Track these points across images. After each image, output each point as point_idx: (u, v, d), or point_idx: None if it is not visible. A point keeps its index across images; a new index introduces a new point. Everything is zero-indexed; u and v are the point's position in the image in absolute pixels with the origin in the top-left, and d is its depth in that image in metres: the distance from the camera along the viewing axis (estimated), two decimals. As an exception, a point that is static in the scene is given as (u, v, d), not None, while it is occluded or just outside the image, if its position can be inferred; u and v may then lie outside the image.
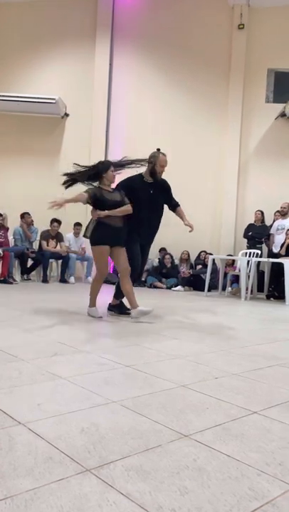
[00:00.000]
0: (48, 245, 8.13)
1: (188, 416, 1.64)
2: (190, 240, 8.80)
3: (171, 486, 1.14)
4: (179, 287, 8.00)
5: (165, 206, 4.40)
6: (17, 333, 3.12)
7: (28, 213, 8.17)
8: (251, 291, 7.05)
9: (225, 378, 2.17)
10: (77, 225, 8.69)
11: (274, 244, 7.82)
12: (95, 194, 3.99)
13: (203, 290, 7.25)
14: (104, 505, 1.04)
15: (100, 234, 4.00)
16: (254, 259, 7.05)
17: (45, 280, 7.76)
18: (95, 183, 4.14)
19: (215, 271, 7.65)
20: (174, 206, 4.44)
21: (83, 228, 8.79)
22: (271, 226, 8.12)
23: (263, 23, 9.13)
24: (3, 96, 8.91)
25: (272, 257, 7.38)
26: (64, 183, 4.19)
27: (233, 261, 7.92)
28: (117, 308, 4.24)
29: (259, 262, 7.42)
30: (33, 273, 8.10)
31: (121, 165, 4.31)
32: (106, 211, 3.96)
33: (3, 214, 7.76)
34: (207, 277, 7.11)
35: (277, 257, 7.17)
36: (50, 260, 8.10)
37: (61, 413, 1.60)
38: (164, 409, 1.70)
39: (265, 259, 7.27)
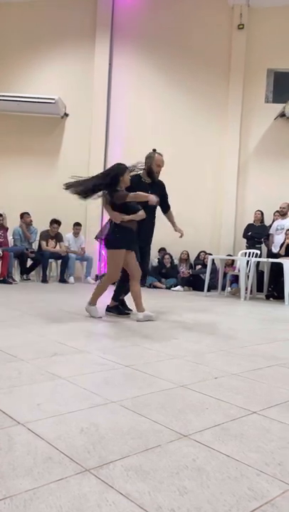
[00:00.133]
0: (47, 245, 8.13)
1: (187, 416, 1.64)
2: (189, 240, 8.80)
3: (171, 486, 1.14)
4: (179, 287, 8.00)
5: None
6: (17, 333, 3.12)
7: (27, 213, 8.17)
8: (251, 291, 7.05)
9: (224, 378, 2.17)
10: (77, 225, 8.70)
11: (273, 244, 7.83)
12: None
13: (202, 290, 7.26)
14: (104, 505, 1.04)
15: (121, 238, 3.94)
16: (253, 259, 7.05)
17: (44, 280, 7.76)
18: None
19: (214, 271, 7.65)
20: (167, 208, 4.46)
21: (83, 228, 8.88)
22: (270, 226, 8.13)
23: (263, 23, 9.13)
24: (3, 96, 8.91)
25: (271, 257, 7.38)
26: (80, 194, 4.02)
27: (233, 261, 7.92)
28: (116, 309, 4.25)
29: (258, 262, 7.42)
30: (33, 273, 8.10)
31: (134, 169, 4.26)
32: (131, 215, 3.92)
33: (2, 214, 7.76)
34: (206, 277, 7.11)
35: (277, 257, 7.18)
36: (50, 260, 8.11)
37: (61, 413, 1.60)
38: (164, 409, 1.70)
39: (265, 259, 7.27)
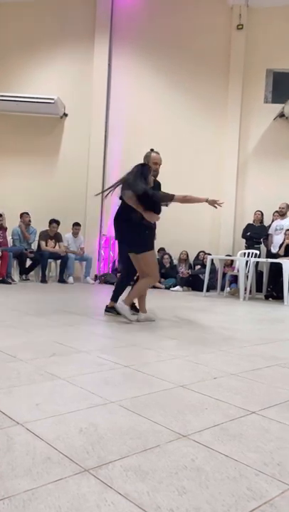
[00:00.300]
0: (46, 245, 8.13)
1: (186, 416, 1.64)
2: (189, 240, 8.83)
3: (170, 486, 1.14)
4: (178, 287, 8.00)
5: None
6: (16, 333, 3.12)
7: (26, 213, 8.17)
8: (250, 291, 7.05)
9: (223, 378, 2.18)
10: (76, 225, 8.70)
11: (272, 244, 7.84)
12: None
13: (201, 290, 7.26)
14: (103, 505, 1.04)
15: (151, 239, 3.96)
16: (253, 260, 7.06)
17: (43, 280, 7.76)
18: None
19: (214, 271, 7.66)
20: (168, 204, 4.44)
21: (82, 228, 8.88)
22: (269, 226, 8.13)
23: (262, 23, 9.14)
24: (2, 96, 8.92)
25: (270, 257, 7.39)
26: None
27: (232, 261, 7.93)
28: (115, 309, 4.24)
29: (258, 262, 7.43)
30: (32, 273, 8.10)
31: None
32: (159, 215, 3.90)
33: (2, 214, 7.76)
34: (206, 277, 7.11)
35: (276, 257, 7.19)
36: (49, 260, 8.11)
37: (60, 413, 1.60)
38: (163, 409, 1.70)
39: (264, 260, 7.28)
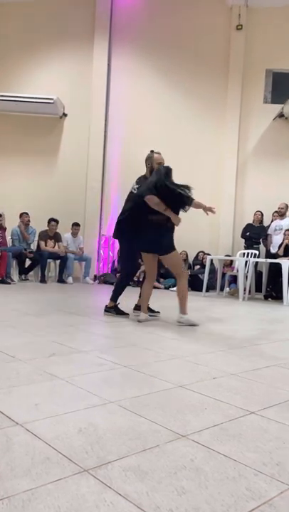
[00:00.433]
0: (46, 245, 8.13)
1: (186, 416, 1.64)
2: (188, 241, 8.81)
3: (169, 486, 1.14)
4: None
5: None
6: (15, 333, 3.12)
7: (25, 213, 8.16)
8: (249, 291, 7.06)
9: (223, 378, 2.18)
10: (75, 225, 8.70)
11: (272, 244, 7.84)
12: None
13: (201, 290, 7.26)
14: (102, 505, 1.04)
15: (173, 239, 4.05)
16: (252, 260, 7.06)
17: (43, 280, 7.76)
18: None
19: (213, 271, 7.66)
20: None
21: (82, 228, 8.88)
22: (269, 226, 8.13)
23: (261, 23, 9.15)
24: (2, 96, 8.91)
25: (269, 258, 7.39)
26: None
27: (231, 261, 7.93)
28: (114, 309, 4.25)
29: (257, 263, 7.43)
30: (31, 273, 8.09)
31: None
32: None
33: (2, 214, 7.75)
34: (205, 277, 7.11)
35: (275, 258, 7.19)
36: (48, 260, 8.10)
37: (59, 413, 1.60)
38: (162, 409, 1.70)
39: (263, 260, 7.28)
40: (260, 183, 9.04)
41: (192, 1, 9.22)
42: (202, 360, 2.54)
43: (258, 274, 7.67)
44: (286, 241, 7.29)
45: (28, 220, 8.17)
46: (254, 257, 7.38)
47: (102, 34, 9.25)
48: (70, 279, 8.12)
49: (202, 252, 8.59)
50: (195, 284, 7.95)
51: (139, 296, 4.41)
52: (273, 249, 7.68)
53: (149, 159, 4.21)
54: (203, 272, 7.31)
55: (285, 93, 8.93)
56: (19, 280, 7.79)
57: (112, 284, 8.19)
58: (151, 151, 4.28)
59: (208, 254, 7.95)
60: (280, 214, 7.91)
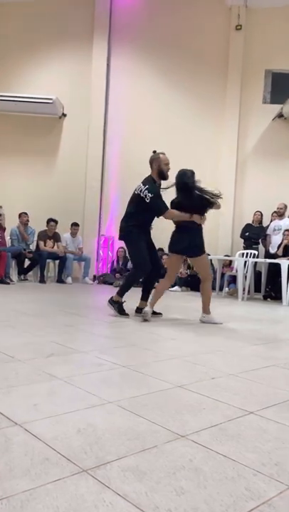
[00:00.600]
0: (45, 245, 8.12)
1: (184, 416, 1.64)
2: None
3: (168, 486, 1.14)
4: (176, 287, 8.01)
5: None
6: (14, 333, 3.12)
7: (24, 213, 8.16)
8: (248, 291, 7.06)
9: (222, 379, 2.18)
10: (75, 225, 8.69)
11: (271, 244, 7.84)
12: None
13: (200, 290, 7.24)
14: (101, 505, 1.04)
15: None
16: (251, 260, 7.06)
17: (42, 280, 7.75)
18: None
19: (212, 271, 7.65)
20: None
21: (81, 229, 8.87)
22: (268, 227, 8.14)
23: (261, 23, 9.15)
24: (2, 96, 8.90)
25: (269, 258, 7.40)
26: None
27: (231, 261, 7.93)
28: (118, 306, 4.21)
29: (256, 263, 7.43)
30: (30, 273, 8.09)
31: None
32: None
33: (1, 214, 7.75)
34: (204, 278, 7.10)
35: (275, 258, 7.19)
36: (48, 260, 8.10)
37: (58, 414, 1.60)
38: (161, 409, 1.70)
39: (262, 260, 7.28)
40: (260, 183, 9.04)
41: (191, 1, 9.23)
42: (201, 361, 2.54)
43: (257, 275, 7.68)
44: (285, 241, 7.30)
45: (27, 220, 8.17)
46: (253, 257, 7.38)
47: (102, 34, 9.26)
48: (69, 279, 8.12)
49: (201, 252, 8.58)
50: (194, 284, 7.92)
51: (141, 299, 4.41)
52: (272, 250, 7.68)
53: (156, 160, 4.18)
54: (203, 272, 7.29)
55: (284, 93, 8.93)
56: (18, 280, 7.78)
57: (111, 284, 8.19)
58: (155, 152, 4.25)
59: (208, 255, 7.94)
60: (279, 214, 7.92)
